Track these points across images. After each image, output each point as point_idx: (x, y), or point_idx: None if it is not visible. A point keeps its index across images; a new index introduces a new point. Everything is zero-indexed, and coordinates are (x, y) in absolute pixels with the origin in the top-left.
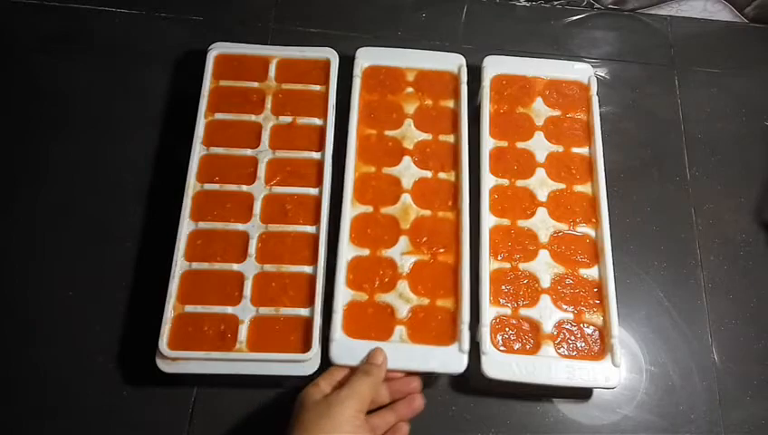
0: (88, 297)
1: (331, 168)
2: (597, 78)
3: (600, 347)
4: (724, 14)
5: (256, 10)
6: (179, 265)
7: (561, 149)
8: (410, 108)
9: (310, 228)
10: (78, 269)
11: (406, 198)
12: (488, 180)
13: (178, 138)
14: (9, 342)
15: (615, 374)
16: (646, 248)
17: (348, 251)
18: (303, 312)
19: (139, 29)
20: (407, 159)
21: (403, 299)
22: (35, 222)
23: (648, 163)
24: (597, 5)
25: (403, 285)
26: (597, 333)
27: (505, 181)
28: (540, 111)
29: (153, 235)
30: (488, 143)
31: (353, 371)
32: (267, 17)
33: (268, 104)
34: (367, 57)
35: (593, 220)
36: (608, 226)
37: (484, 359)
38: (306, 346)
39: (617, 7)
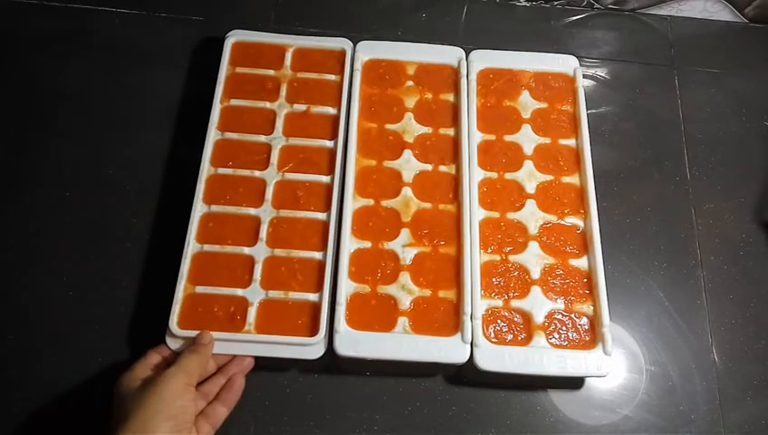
0: (92, 291)
1: (343, 156)
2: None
3: (592, 337)
4: (724, 14)
5: (256, 10)
6: (191, 246)
7: (548, 141)
8: (410, 101)
9: (320, 215)
10: (80, 266)
11: (406, 191)
12: (477, 174)
13: (178, 138)
14: (10, 340)
15: (606, 363)
16: (646, 248)
17: (350, 243)
18: (312, 297)
19: (139, 29)
20: (407, 153)
21: (405, 291)
22: (36, 220)
23: (648, 163)
24: (597, 5)
25: (405, 277)
26: (588, 322)
27: (494, 174)
28: (527, 103)
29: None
30: (476, 137)
31: (175, 353)
32: (267, 18)
33: (283, 92)
34: (367, 51)
35: (581, 211)
36: (596, 216)
37: (476, 351)
38: (314, 330)
39: (617, 7)
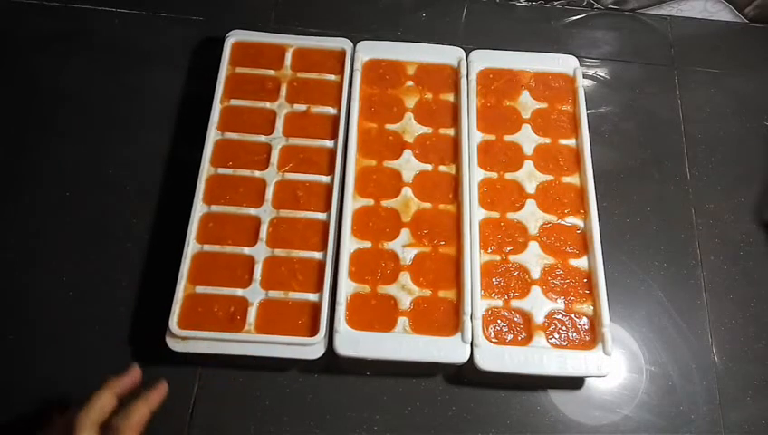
0: (92, 291)
1: (343, 156)
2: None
3: (592, 337)
4: (724, 14)
5: (256, 10)
6: (191, 246)
7: (548, 141)
8: (410, 101)
9: (320, 215)
10: (80, 266)
11: (406, 191)
12: (477, 174)
13: (178, 138)
14: (10, 340)
15: (606, 363)
16: (646, 248)
17: (350, 243)
18: (312, 297)
19: (139, 29)
20: (407, 153)
21: (405, 291)
22: (36, 220)
23: (648, 163)
24: (597, 5)
25: (405, 277)
26: (588, 322)
27: (494, 174)
28: (527, 103)
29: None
30: (476, 137)
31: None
32: (267, 18)
33: (283, 92)
34: (367, 51)
35: (581, 211)
36: (596, 216)
37: (476, 351)
38: (314, 330)
39: (617, 7)
